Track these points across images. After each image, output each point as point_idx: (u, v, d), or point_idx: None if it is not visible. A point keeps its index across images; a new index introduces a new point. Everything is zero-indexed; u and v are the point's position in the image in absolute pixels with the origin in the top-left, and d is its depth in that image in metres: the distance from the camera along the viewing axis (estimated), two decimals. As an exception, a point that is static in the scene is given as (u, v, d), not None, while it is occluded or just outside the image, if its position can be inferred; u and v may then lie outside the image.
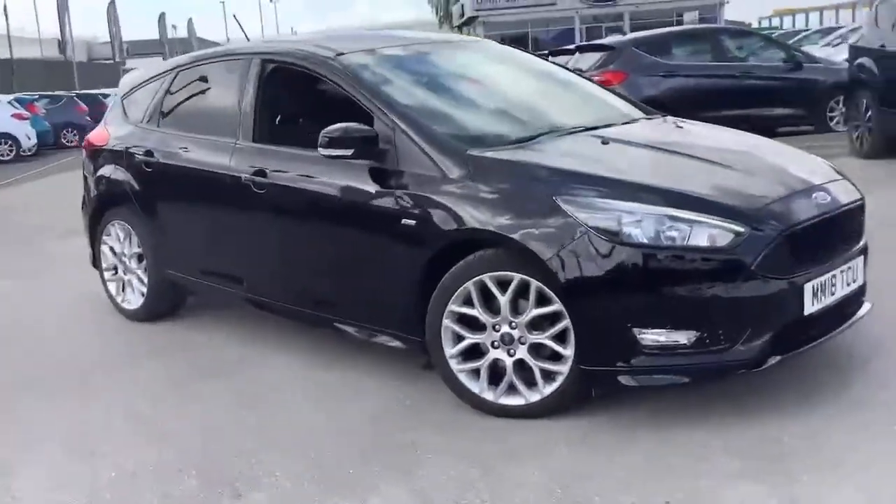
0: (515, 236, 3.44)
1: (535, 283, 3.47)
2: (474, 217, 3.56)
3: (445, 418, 3.67)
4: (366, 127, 3.92)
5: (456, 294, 3.62)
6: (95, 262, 5.61)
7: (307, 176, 4.21)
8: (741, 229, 3.30)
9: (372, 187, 3.89)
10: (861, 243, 3.77)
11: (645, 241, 3.29)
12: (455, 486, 3.12)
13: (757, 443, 3.22)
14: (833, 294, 3.55)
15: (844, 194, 3.74)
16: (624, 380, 3.39)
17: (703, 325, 3.30)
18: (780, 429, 3.30)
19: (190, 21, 58.37)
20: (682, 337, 3.31)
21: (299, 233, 4.30)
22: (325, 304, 4.29)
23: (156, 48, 52.56)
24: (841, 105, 10.97)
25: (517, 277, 3.50)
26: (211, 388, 4.19)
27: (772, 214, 3.39)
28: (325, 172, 4.10)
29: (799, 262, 3.41)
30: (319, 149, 3.89)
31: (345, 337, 4.24)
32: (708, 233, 3.29)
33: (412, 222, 3.74)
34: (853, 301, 3.75)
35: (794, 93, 11.15)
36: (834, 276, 3.54)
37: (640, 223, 3.30)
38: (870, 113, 9.15)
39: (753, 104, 10.95)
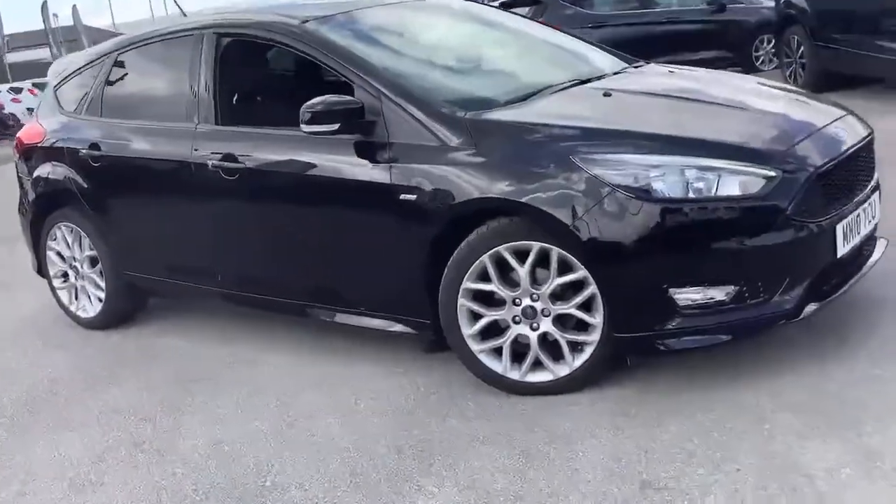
0: (533, 202, 3.20)
1: (556, 251, 3.24)
2: (484, 186, 3.30)
3: (472, 405, 3.44)
4: (349, 98, 3.61)
5: (471, 269, 3.37)
6: (41, 269, 5.15)
7: (287, 157, 3.87)
8: (773, 173, 3.12)
9: (362, 163, 3.60)
10: (875, 178, 3.65)
11: (675, 195, 3.10)
12: (507, 478, 2.90)
13: (809, 397, 3.07)
14: (859, 233, 3.43)
15: (858, 129, 3.61)
16: (662, 344, 3.20)
17: (740, 279, 3.13)
18: (827, 378, 3.17)
19: (74, 8, 55.71)
20: (720, 293, 3.14)
21: (283, 219, 3.97)
22: (319, 294, 3.99)
23: (40, 39, 50.06)
24: (766, 44, 11.02)
25: (536, 246, 3.26)
26: (205, 396, 3.84)
27: (800, 156, 3.23)
28: (308, 151, 3.78)
29: (828, 203, 3.27)
30: (302, 126, 3.56)
31: (339, 327, 3.95)
32: (739, 180, 3.11)
33: (412, 197, 3.46)
34: (870, 239, 3.64)
35: (720, 35, 11.14)
36: (858, 214, 3.41)
37: (667, 176, 3.10)
38: (802, 49, 9.18)
39: (680, 49, 10.84)
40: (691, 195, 3.09)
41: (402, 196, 3.48)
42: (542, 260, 3.29)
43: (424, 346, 3.86)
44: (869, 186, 3.57)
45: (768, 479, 2.66)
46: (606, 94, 3.71)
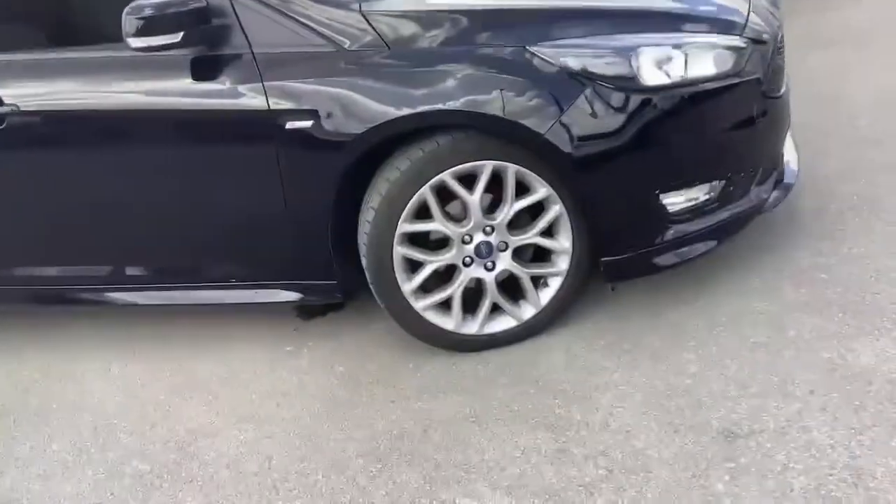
0: (491, 111, 2.49)
1: (512, 169, 2.60)
2: (413, 99, 2.53)
3: (430, 380, 2.73)
4: (184, -5, 2.59)
5: (407, 207, 2.61)
6: None
7: (100, 89, 2.74)
8: (742, 45, 2.70)
9: (218, 87, 2.62)
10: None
11: (659, 80, 2.56)
12: (538, 456, 2.29)
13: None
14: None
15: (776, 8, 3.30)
16: (661, 260, 2.72)
17: (725, 172, 2.73)
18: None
19: None
20: (705, 192, 2.71)
21: (106, 177, 2.84)
22: (173, 271, 2.97)
23: None
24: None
25: (489, 166, 2.59)
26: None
27: (758, 26, 2.83)
28: (132, 77, 2.70)
29: (778, 81, 2.93)
30: (130, 40, 2.49)
31: (181, 312, 3.00)
32: (714, 55, 2.63)
33: (305, 124, 2.58)
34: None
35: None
36: (787, 93, 3.13)
37: (648, 59, 2.55)
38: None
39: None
40: (674, 78, 2.57)
41: (291, 125, 2.59)
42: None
43: (300, 314, 3.10)
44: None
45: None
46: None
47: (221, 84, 2.62)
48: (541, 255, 2.81)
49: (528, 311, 2.79)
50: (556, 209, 2.66)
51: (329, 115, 2.56)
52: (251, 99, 2.59)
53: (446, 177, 2.59)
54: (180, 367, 2.99)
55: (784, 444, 2.17)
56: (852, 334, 2.55)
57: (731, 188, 2.74)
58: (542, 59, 2.50)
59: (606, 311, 2.88)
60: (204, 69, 2.63)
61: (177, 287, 2.98)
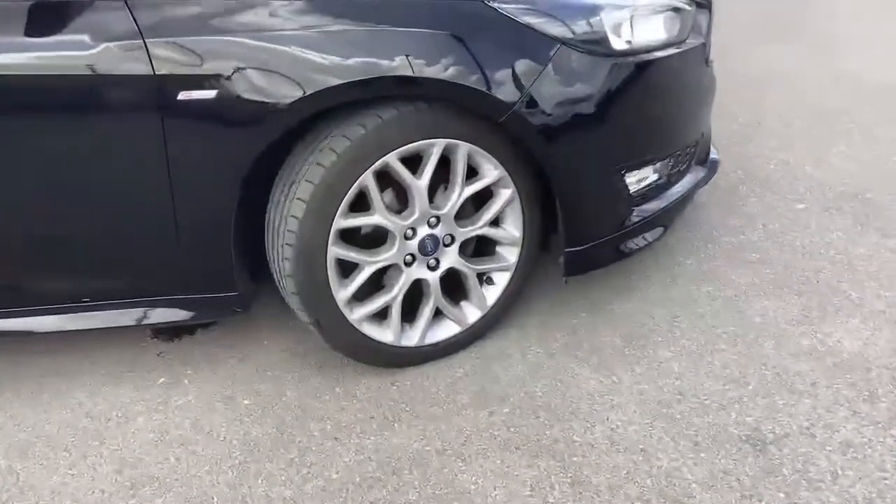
0: (455, 79, 2.05)
1: (465, 148, 2.19)
2: (355, 60, 2.02)
3: (387, 401, 2.24)
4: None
5: (346, 198, 2.10)
6: None
7: None
8: (689, 7, 2.46)
9: (77, 41, 1.95)
10: None
11: (630, 45, 2.25)
12: (553, 492, 1.92)
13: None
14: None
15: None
16: (625, 246, 2.43)
17: (675, 146, 2.49)
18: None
19: None
20: (654, 172, 2.45)
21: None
22: (23, 291, 2.21)
23: None
24: None
25: (440, 145, 2.15)
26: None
27: (694, -11, 2.60)
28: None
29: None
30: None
31: (29, 339, 2.27)
32: (663, 18, 2.37)
33: (207, 95, 1.99)
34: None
35: None
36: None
37: (609, 20, 2.23)
38: None
39: None
40: (637, 43, 2.27)
41: (184, 95, 1.98)
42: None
43: (157, 335, 2.52)
44: None
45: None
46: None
47: (80, 39, 1.94)
48: (481, 249, 2.41)
49: (472, 314, 2.38)
50: (506, 194, 2.28)
51: (240, 82, 1.97)
52: (126, 60, 1.94)
53: (391, 159, 2.11)
54: (21, 420, 2.25)
55: (819, 448, 1.96)
56: (819, 317, 2.42)
57: (678, 166, 2.50)
58: (506, 16, 2.09)
59: (544, 306, 2.55)
60: (52, 20, 1.94)
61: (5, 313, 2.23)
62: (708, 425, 2.06)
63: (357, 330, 2.24)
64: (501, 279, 2.39)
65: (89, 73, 1.93)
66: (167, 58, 1.93)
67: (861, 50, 4.35)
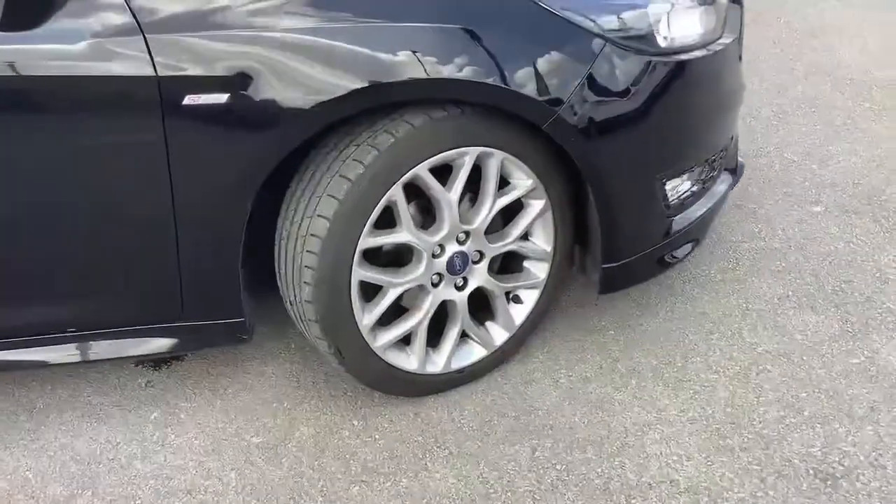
0: (496, 81, 1.84)
1: (498, 157, 1.98)
2: (386, 60, 1.78)
3: (415, 436, 2.03)
4: None
5: (373, 214, 1.88)
6: None
7: None
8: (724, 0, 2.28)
9: (69, 37, 1.68)
10: None
11: (668, 41, 2.07)
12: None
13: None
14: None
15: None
16: (664, 260, 2.26)
17: (710, 151, 2.32)
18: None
19: None
20: (688, 181, 2.28)
21: None
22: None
23: None
24: None
25: (472, 154, 1.94)
26: None
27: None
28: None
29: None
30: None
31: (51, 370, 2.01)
32: (699, 13, 2.16)
33: (217, 99, 1.74)
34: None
35: None
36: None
37: (655, 15, 2.04)
38: None
39: None
40: (680, 40, 2.08)
41: (191, 99, 1.73)
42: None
43: (143, 362, 2.27)
44: None
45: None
46: None
47: (65, 34, 1.67)
48: (505, 265, 2.22)
49: (499, 336, 2.19)
50: (538, 206, 2.09)
51: (257, 84, 1.73)
52: (124, 60, 1.68)
53: (422, 170, 1.89)
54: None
55: (894, 481, 1.82)
56: (861, 332, 2.29)
57: (712, 172, 2.34)
58: (548, 10, 1.89)
59: (567, 324, 2.37)
60: (32, 11, 1.67)
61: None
62: (770, 458, 1.90)
63: (381, 358, 2.03)
64: (530, 297, 2.20)
65: (77, 74, 1.67)
66: (171, 57, 1.68)
67: (852, 40, 4.26)
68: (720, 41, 2.20)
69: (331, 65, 1.74)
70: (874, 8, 4.65)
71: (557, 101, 1.88)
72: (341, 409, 2.12)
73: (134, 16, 1.67)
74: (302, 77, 1.73)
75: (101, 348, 1.99)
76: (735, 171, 2.52)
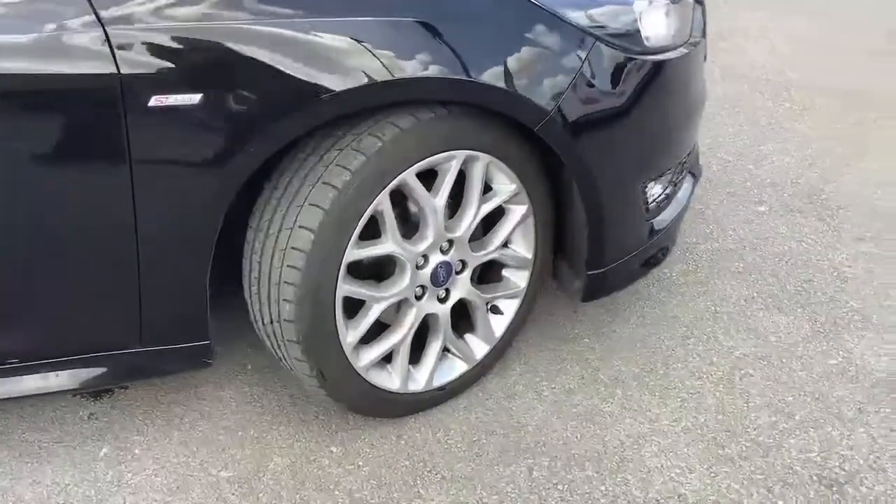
0: (491, 80, 1.73)
1: (484, 161, 1.87)
2: (376, 57, 1.64)
3: (401, 460, 1.89)
4: None
5: (359, 225, 1.74)
6: None
7: None
8: (690, 1, 2.24)
9: (21, 40, 1.48)
10: None
11: (656, 43, 2.01)
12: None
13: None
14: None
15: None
16: (644, 266, 2.20)
17: (684, 151, 2.27)
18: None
19: None
20: (661, 185, 2.22)
21: None
22: None
23: None
24: None
25: (459, 157, 1.83)
26: None
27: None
28: None
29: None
30: None
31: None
32: (670, 10, 2.10)
33: (188, 100, 1.56)
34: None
35: None
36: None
37: (648, 13, 1.98)
38: None
39: None
40: (660, 39, 2.02)
41: (158, 100, 1.54)
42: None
43: (80, 392, 2.04)
44: None
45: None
46: None
47: (15, 27, 1.46)
48: (482, 275, 2.10)
49: (480, 349, 2.07)
50: (520, 211, 1.98)
51: (233, 82, 1.56)
52: (81, 57, 1.48)
53: (409, 176, 1.76)
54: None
55: (896, 484, 1.81)
56: (832, 331, 2.29)
57: (680, 176, 2.29)
58: (539, 6, 1.79)
59: (538, 333, 2.27)
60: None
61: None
62: (772, 466, 1.86)
63: (364, 379, 1.88)
64: (510, 307, 2.09)
65: (28, 72, 1.46)
66: (135, 53, 1.49)
67: (758, 41, 4.36)
68: (691, 40, 2.15)
69: (324, 61, 1.59)
70: (776, 10, 4.78)
71: (550, 102, 1.78)
72: (315, 434, 1.95)
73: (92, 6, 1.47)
74: (284, 73, 1.56)
75: (45, 381, 1.76)
76: (695, 175, 2.49)
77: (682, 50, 2.07)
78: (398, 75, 1.63)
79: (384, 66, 1.61)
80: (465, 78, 1.69)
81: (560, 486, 1.81)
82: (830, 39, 4.42)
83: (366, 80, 1.60)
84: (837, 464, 1.86)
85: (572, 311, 2.34)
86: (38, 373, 1.75)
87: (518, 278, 2.07)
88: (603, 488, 1.81)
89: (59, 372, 1.76)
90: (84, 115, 1.51)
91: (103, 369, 1.79)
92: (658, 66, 1.97)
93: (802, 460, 1.87)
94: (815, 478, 1.83)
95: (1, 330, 1.69)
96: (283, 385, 2.08)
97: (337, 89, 1.58)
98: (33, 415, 1.99)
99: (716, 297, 2.43)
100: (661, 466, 1.86)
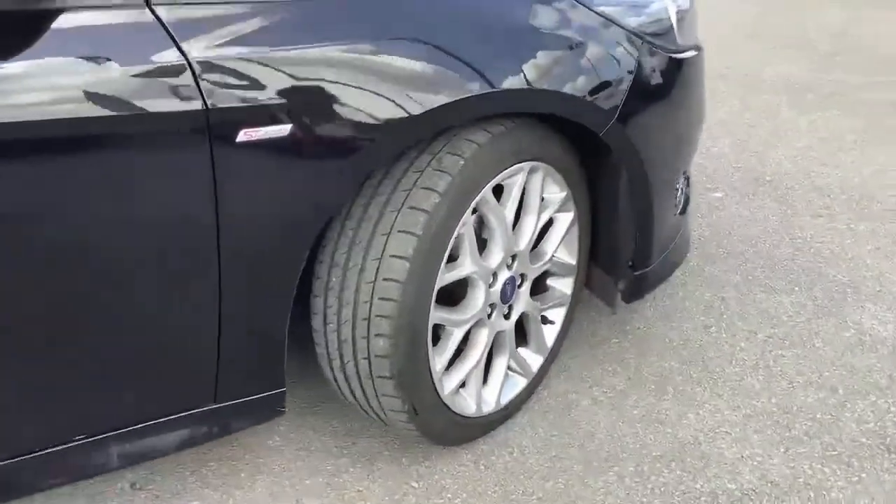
0: (570, 90, 1.71)
1: (543, 169, 1.85)
2: (462, 72, 1.57)
3: (491, 488, 1.82)
4: None
5: (448, 249, 1.67)
6: None
7: None
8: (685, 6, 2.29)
9: (111, 72, 1.31)
10: None
11: (688, 41, 2.04)
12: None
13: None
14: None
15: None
16: (676, 262, 2.24)
17: (697, 147, 2.32)
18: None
19: None
20: (684, 178, 2.27)
21: None
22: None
23: None
24: None
25: (525, 169, 1.80)
26: None
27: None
28: None
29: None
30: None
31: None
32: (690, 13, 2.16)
33: (279, 131, 1.44)
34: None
35: None
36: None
37: (671, 12, 2.01)
38: None
39: None
40: (684, 42, 2.06)
41: (247, 134, 1.41)
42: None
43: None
44: None
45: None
46: None
47: (84, 63, 1.30)
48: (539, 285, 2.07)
49: (535, 362, 2.04)
50: (567, 219, 1.97)
51: (323, 110, 1.45)
52: (177, 100, 1.33)
53: (487, 193, 1.70)
54: None
55: (953, 443, 1.93)
56: (835, 305, 2.43)
57: (688, 172, 2.35)
58: (591, 10, 1.78)
59: (569, 338, 2.25)
60: (41, 34, 1.28)
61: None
62: (840, 442, 1.93)
63: (448, 407, 1.80)
64: (559, 316, 2.06)
65: (101, 113, 1.29)
66: (222, 85, 1.36)
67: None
68: (698, 43, 2.20)
69: (411, 80, 1.50)
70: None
71: (613, 106, 1.77)
72: (385, 473, 1.85)
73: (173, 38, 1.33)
74: (373, 95, 1.47)
75: (113, 455, 1.58)
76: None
77: (697, 48, 2.10)
78: (486, 89, 1.56)
79: (485, 80, 1.54)
80: (546, 88, 1.65)
81: (656, 490, 1.80)
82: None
83: (463, 94, 1.53)
84: (895, 431, 1.96)
85: (584, 315, 2.33)
86: (99, 449, 1.56)
87: (563, 286, 2.05)
88: (698, 487, 1.81)
89: (126, 444, 1.58)
90: (159, 154, 1.36)
91: (168, 435, 1.61)
92: (689, 64, 2.01)
93: (865, 431, 1.96)
94: (882, 447, 1.91)
95: (67, 406, 1.49)
96: (326, 422, 1.97)
97: (430, 107, 1.50)
98: (69, 494, 1.77)
99: (715, 283, 2.50)
100: (742, 457, 1.89)
